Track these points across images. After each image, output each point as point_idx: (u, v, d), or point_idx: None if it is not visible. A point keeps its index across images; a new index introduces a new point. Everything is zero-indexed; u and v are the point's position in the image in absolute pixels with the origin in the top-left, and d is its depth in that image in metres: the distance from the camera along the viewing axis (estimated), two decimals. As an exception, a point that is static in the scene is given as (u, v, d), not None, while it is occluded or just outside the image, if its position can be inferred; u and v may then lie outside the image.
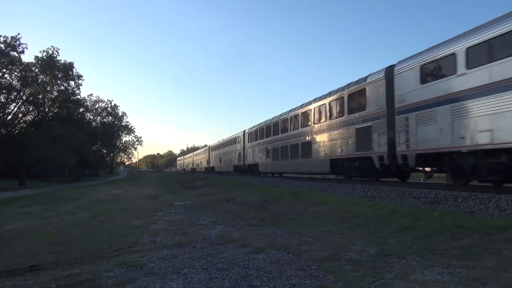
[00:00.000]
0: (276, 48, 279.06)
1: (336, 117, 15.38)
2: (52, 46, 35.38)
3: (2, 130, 31.96)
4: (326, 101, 16.31)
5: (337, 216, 8.39)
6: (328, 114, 16.13)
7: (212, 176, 37.32)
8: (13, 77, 33.24)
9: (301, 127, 19.15)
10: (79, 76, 38.73)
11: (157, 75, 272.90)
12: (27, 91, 33.86)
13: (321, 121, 16.78)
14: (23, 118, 35.62)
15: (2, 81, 32.11)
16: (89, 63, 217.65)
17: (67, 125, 33.59)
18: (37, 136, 30.64)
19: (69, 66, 36.40)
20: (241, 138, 32.57)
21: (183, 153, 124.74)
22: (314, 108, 17.61)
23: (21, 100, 33.87)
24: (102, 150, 71.42)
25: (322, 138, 16.61)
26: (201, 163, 60.45)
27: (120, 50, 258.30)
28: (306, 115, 18.74)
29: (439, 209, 7.58)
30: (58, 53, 34.86)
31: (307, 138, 18.15)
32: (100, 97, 73.81)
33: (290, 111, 21.23)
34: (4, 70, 31.93)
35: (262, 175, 26.88)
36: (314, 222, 8.20)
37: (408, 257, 4.72)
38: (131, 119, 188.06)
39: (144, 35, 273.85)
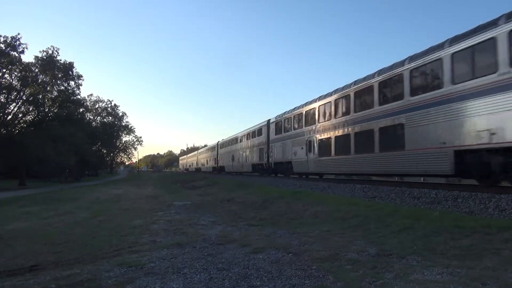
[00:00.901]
0: (276, 48, 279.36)
1: (473, 77, 9.06)
2: (52, 46, 35.41)
3: (2, 130, 31.96)
4: (444, 54, 10.05)
5: (337, 216, 8.38)
6: (447, 76, 9.88)
7: (212, 176, 37.25)
8: (13, 77, 33.26)
9: (381, 105, 12.73)
10: (79, 76, 38.76)
11: (157, 75, 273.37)
12: (27, 91, 33.86)
13: (431, 89, 10.58)
14: (23, 118, 35.62)
15: (2, 81, 32.11)
16: (89, 63, 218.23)
17: (67, 125, 33.60)
18: (37, 136, 30.65)
19: (69, 66, 36.41)
20: (263, 130, 26.21)
21: (185, 152, 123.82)
22: (409, 72, 11.36)
23: (21, 100, 33.87)
24: (102, 150, 71.39)
25: (432, 118, 10.34)
26: (207, 162, 53.32)
27: (120, 50, 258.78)
28: (390, 85, 12.47)
29: (439, 209, 7.58)
30: (58, 53, 34.90)
31: (394, 120, 11.91)
32: (100, 97, 74.10)
33: (354, 83, 14.73)
34: (4, 70, 31.94)
35: (295, 176, 20.74)
36: (314, 222, 8.19)
37: (408, 257, 4.72)
38: (131, 119, 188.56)
39: (144, 35, 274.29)
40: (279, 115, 23.41)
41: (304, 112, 19.29)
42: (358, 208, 8.72)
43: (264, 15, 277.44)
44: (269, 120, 25.42)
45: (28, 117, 35.91)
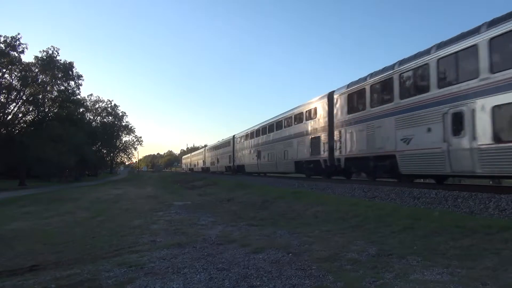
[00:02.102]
0: (276, 48, 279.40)
1: None
2: (52, 46, 35.53)
3: (2, 130, 32.01)
4: None
5: (337, 216, 8.38)
6: None
7: (212, 176, 37.24)
8: (13, 77, 33.36)
9: None
10: (79, 76, 38.83)
11: (157, 75, 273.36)
12: (27, 91, 33.94)
13: None
14: (23, 118, 35.71)
15: (2, 81, 32.18)
16: (89, 63, 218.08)
17: (67, 125, 33.68)
18: (37, 136, 30.70)
19: (69, 66, 36.46)
20: (320, 109, 17.35)
21: (188, 150, 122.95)
22: None
23: (21, 100, 33.94)
24: (102, 150, 71.48)
25: None
26: (218, 161, 44.55)
27: (120, 50, 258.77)
28: None
29: (439, 209, 7.58)
30: (58, 53, 35.00)
31: None
32: (100, 97, 74.30)
33: None
34: (4, 70, 32.01)
35: (364, 179, 14.71)
36: (314, 222, 8.19)
37: (408, 257, 4.72)
38: (131, 119, 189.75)
39: (144, 35, 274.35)
40: (354, 81, 14.59)
41: (433, 63, 10.32)
42: (358, 208, 8.72)
43: (265, 14, 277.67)
44: (331, 92, 16.45)
45: (28, 117, 36.03)
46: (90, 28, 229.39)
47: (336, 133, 15.75)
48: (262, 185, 18.45)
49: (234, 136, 36.52)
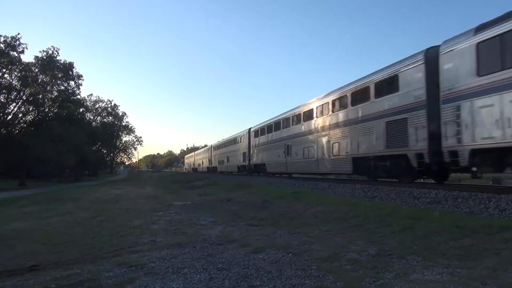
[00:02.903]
0: (276, 48, 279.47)
1: None
2: (52, 46, 35.63)
3: (2, 130, 32.05)
4: None
5: (337, 216, 8.38)
6: None
7: (213, 176, 37.23)
8: (13, 77, 33.42)
9: None
10: (79, 76, 38.85)
11: (157, 75, 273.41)
12: (27, 91, 33.98)
13: None
14: (23, 118, 35.76)
15: (2, 81, 32.21)
16: (89, 63, 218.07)
17: (67, 125, 33.71)
18: (37, 136, 30.73)
19: (69, 66, 36.50)
20: (401, 79, 11.68)
21: (186, 152, 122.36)
22: None
23: (21, 100, 33.98)
24: (102, 150, 71.44)
25: None
26: (228, 159, 37.96)
27: (120, 50, 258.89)
28: None
29: (439, 209, 7.59)
30: (58, 53, 35.06)
31: None
32: (100, 97, 74.28)
33: None
34: (4, 70, 32.04)
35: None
36: (314, 222, 8.19)
37: (408, 257, 4.72)
38: (131, 119, 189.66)
39: (144, 35, 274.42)
40: (494, 20, 8.76)
41: None
42: (358, 208, 8.72)
43: (265, 14, 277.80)
44: (431, 49, 10.86)
45: (28, 117, 36.10)
46: (90, 28, 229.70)
47: (446, 110, 9.95)
48: (262, 185, 18.45)
49: (249, 129, 30.26)
